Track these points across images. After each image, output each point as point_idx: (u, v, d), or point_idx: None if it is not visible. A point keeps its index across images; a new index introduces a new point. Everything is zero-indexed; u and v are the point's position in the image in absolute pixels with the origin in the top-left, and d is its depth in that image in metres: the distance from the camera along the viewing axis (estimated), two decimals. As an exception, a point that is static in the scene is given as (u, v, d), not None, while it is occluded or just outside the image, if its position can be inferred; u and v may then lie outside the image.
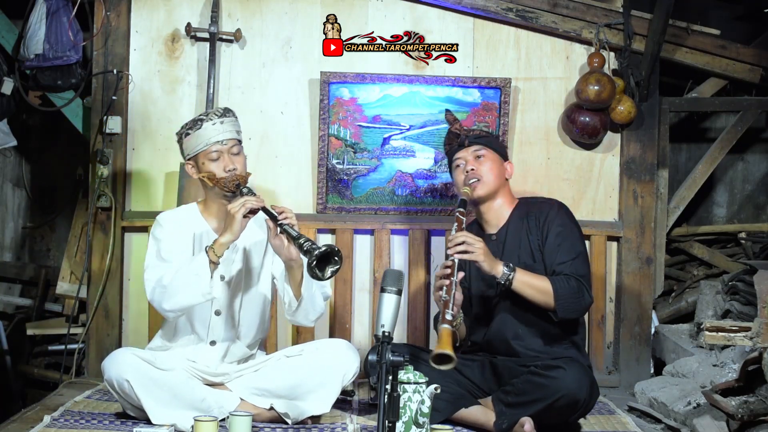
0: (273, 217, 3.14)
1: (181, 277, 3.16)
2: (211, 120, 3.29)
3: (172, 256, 3.28)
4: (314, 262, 2.97)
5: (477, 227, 3.58)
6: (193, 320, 3.37)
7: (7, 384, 4.72)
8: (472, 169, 3.43)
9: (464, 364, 3.43)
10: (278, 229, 3.14)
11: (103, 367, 3.21)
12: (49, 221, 5.16)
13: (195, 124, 3.30)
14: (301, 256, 3.08)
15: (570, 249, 3.39)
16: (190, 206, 3.47)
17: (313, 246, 3.01)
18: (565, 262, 3.36)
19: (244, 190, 3.22)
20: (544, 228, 3.42)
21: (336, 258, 3.04)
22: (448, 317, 3.14)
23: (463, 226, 3.30)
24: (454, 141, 3.51)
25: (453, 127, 3.50)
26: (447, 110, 3.64)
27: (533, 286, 3.28)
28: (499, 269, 3.26)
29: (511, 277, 3.25)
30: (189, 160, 3.34)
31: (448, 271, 3.22)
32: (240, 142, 3.36)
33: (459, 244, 3.23)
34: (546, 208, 3.47)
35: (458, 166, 3.48)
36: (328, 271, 3.04)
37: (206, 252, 3.15)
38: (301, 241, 3.04)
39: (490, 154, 3.47)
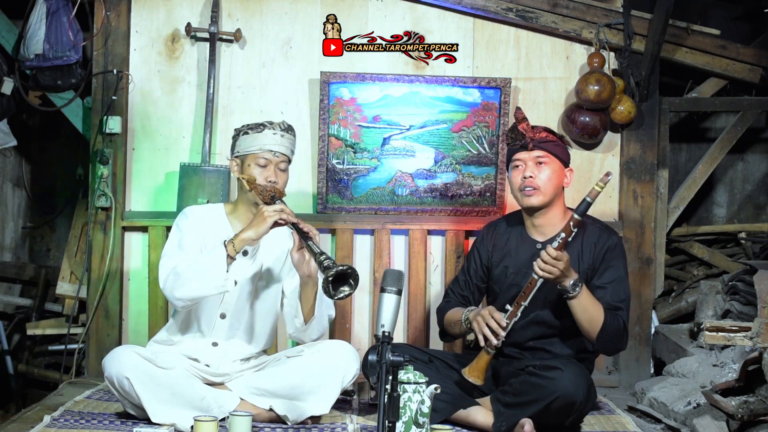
0: (300, 232, 3.16)
1: (196, 267, 3.18)
2: (274, 129, 3.35)
3: (192, 249, 3.30)
4: (331, 278, 2.98)
5: (520, 226, 3.51)
6: (200, 319, 3.38)
7: (7, 384, 4.72)
8: (530, 177, 3.36)
9: (464, 364, 3.43)
10: (302, 243, 3.16)
11: (104, 364, 3.22)
12: (49, 221, 5.16)
13: (258, 126, 3.36)
14: (320, 272, 3.08)
15: (624, 291, 3.38)
16: (217, 206, 3.50)
17: (334, 263, 3.02)
18: (623, 300, 3.34)
19: (278, 203, 3.24)
20: (598, 258, 3.38)
21: (352, 281, 3.03)
22: (497, 342, 3.26)
23: (570, 239, 3.21)
24: (518, 140, 3.40)
25: (520, 125, 3.41)
26: (518, 108, 3.61)
27: (588, 310, 3.25)
28: (568, 282, 3.22)
29: (575, 293, 3.22)
30: (236, 157, 3.38)
31: (505, 323, 3.25)
32: (290, 161, 3.40)
33: (555, 268, 3.17)
34: (604, 239, 3.41)
35: (517, 167, 3.41)
36: (341, 292, 3.03)
37: (224, 245, 3.16)
38: (322, 258, 3.05)
39: (552, 162, 3.38)
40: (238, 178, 3.36)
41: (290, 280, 3.40)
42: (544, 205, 3.39)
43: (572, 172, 3.47)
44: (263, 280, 3.43)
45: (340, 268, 3.00)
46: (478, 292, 3.59)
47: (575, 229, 3.20)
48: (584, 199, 3.20)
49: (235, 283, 3.32)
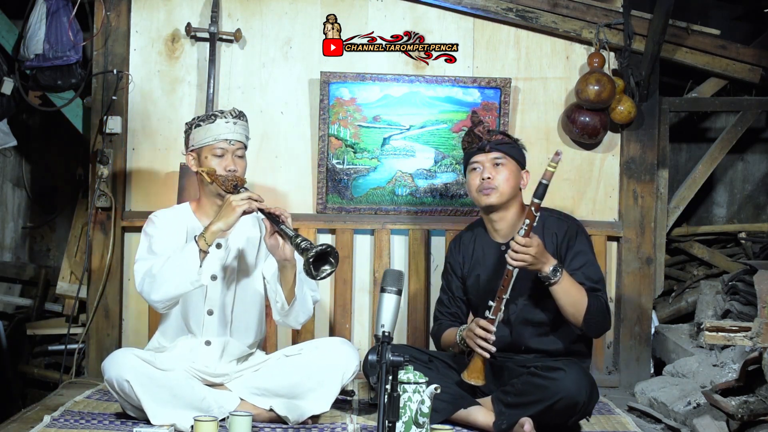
0: (271, 217, 3.15)
1: (169, 266, 3.17)
2: (225, 118, 3.33)
3: (163, 251, 3.28)
4: (312, 259, 2.97)
5: (482, 234, 3.53)
6: (188, 319, 3.38)
7: (7, 384, 4.72)
8: (489, 177, 3.37)
9: (464, 364, 3.43)
10: (274, 228, 3.14)
11: (103, 367, 3.21)
12: (49, 221, 5.16)
13: (208, 117, 3.33)
14: (298, 254, 3.07)
15: (596, 272, 3.38)
16: (182, 205, 3.49)
17: (311, 245, 3.01)
18: (598, 281, 3.35)
19: (242, 190, 3.22)
20: (562, 246, 3.39)
21: (332, 259, 3.03)
22: (492, 346, 3.26)
23: (535, 224, 3.22)
24: (475, 143, 3.42)
25: (476, 128, 3.42)
26: (473, 111, 3.61)
27: (572, 294, 3.26)
28: (548, 269, 3.22)
29: (557, 279, 3.22)
30: (192, 151, 3.36)
31: (492, 328, 3.24)
32: (246, 147, 3.38)
33: (527, 254, 3.17)
34: (564, 227, 3.43)
35: (474, 169, 3.42)
36: (323, 271, 3.03)
37: (195, 240, 3.15)
38: (298, 240, 3.04)
39: (509, 163, 3.40)
40: (197, 172, 3.34)
41: (268, 264, 3.36)
42: (502, 204, 3.40)
43: (528, 174, 3.47)
44: (242, 269, 3.42)
45: (319, 248, 2.99)
46: (464, 305, 3.60)
47: (537, 213, 3.21)
48: (540, 182, 3.21)
49: (215, 277, 3.32)
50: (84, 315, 4.40)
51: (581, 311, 3.26)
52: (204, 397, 3.24)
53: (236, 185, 3.23)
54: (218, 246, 3.35)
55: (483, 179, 3.38)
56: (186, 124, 3.41)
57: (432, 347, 4.17)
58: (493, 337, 3.25)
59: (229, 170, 3.28)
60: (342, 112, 4.30)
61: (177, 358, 3.34)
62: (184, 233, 3.36)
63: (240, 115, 3.37)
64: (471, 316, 3.65)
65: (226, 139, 3.31)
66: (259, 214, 3.20)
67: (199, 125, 3.33)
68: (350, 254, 4.30)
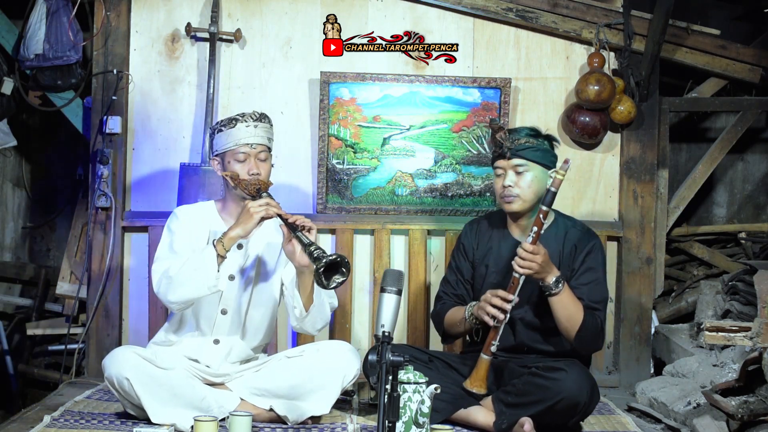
0: (288, 224, 3.16)
1: (187, 269, 3.18)
2: (246, 122, 3.32)
3: (183, 250, 3.29)
4: (322, 269, 2.98)
5: (502, 226, 3.51)
6: (199, 317, 3.38)
7: (7, 384, 4.72)
8: (510, 185, 3.34)
9: (464, 365, 3.44)
10: (292, 235, 3.15)
11: (104, 365, 3.22)
12: (49, 221, 5.16)
13: (230, 122, 3.33)
14: (311, 262, 3.08)
15: (601, 292, 3.38)
16: (207, 204, 3.48)
17: (324, 254, 3.02)
18: (600, 302, 3.35)
19: (264, 195, 3.23)
20: (577, 260, 3.38)
21: (344, 269, 3.04)
22: (493, 349, 3.25)
23: (542, 231, 3.23)
24: (497, 149, 3.40)
25: (497, 135, 3.39)
26: (492, 119, 3.59)
27: (569, 309, 3.26)
28: (551, 279, 3.23)
29: (558, 290, 3.23)
30: (216, 156, 3.37)
31: (511, 297, 3.22)
32: (269, 149, 3.37)
33: (533, 262, 3.18)
34: (585, 241, 3.41)
35: (498, 175, 3.40)
36: (335, 281, 3.04)
37: (213, 245, 3.16)
38: (312, 248, 3.06)
39: (532, 167, 3.35)
40: (223, 177, 3.35)
41: (288, 270, 3.37)
42: (526, 210, 3.39)
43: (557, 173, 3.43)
44: (260, 271, 3.42)
45: (330, 258, 3.00)
46: (472, 288, 3.58)
47: (545, 221, 3.22)
48: (548, 189, 3.22)
49: (232, 277, 3.33)
50: (84, 315, 4.40)
51: (575, 327, 3.26)
52: (204, 397, 3.24)
53: (259, 189, 3.25)
54: (239, 247, 3.35)
55: (504, 187, 3.36)
56: (210, 128, 3.43)
57: (431, 346, 4.18)
58: (508, 306, 3.23)
59: (252, 174, 3.29)
60: (342, 112, 4.30)
61: (180, 354, 3.34)
62: (207, 233, 3.36)
63: (261, 118, 3.36)
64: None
65: (248, 144, 3.30)
66: (279, 219, 3.21)
67: (221, 130, 3.33)
68: (350, 254, 4.30)
